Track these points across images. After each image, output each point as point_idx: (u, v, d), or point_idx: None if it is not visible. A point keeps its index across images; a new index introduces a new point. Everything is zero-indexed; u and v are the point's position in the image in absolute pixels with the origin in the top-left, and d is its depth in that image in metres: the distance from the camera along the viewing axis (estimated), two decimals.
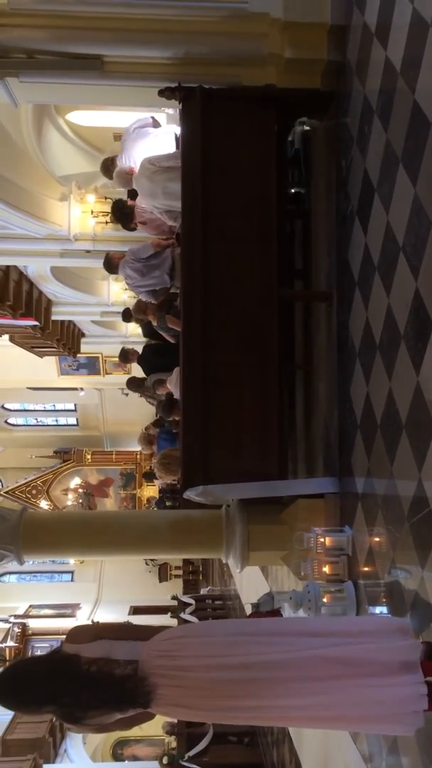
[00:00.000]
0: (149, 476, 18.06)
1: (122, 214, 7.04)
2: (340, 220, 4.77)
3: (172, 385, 7.49)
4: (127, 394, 21.22)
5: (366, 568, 4.11)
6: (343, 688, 2.62)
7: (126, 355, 9.43)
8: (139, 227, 7.03)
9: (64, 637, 2.94)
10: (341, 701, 2.64)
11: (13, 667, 2.93)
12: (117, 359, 21.06)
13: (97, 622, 3.37)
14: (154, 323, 7.31)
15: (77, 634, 2.88)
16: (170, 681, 2.68)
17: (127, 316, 9.55)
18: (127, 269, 6.93)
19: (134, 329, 18.09)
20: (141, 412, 18.35)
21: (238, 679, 2.65)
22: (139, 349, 9.26)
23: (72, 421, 24.11)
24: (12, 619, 20.08)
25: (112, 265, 7.32)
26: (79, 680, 2.63)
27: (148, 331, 8.28)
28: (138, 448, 22.00)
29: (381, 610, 3.88)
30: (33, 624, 20.10)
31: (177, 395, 7.05)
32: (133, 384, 9.05)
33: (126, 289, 14.98)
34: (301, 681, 2.63)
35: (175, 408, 6.51)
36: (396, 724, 2.71)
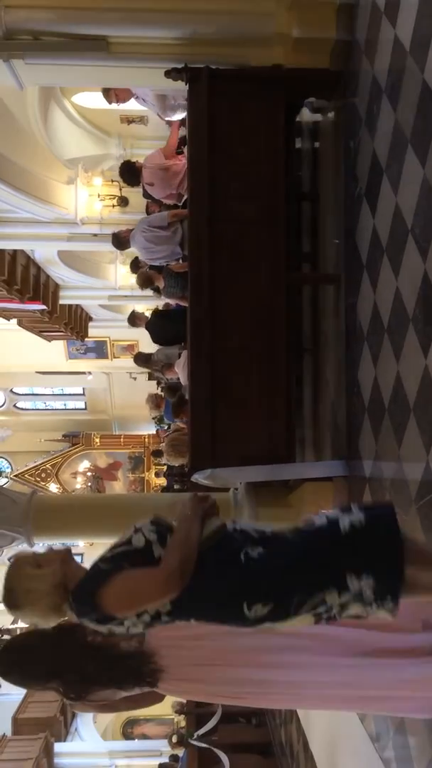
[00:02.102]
0: (158, 454, 18.11)
1: (130, 173, 7.03)
2: (348, 202, 4.74)
3: (180, 368, 7.49)
4: (135, 378, 21.27)
5: None
6: (365, 665, 2.57)
7: (134, 319, 9.41)
8: (147, 188, 6.99)
9: None
10: (362, 679, 2.59)
11: (14, 639, 2.91)
12: (125, 343, 21.18)
13: None
14: (161, 288, 7.29)
15: None
16: (179, 651, 2.65)
17: (132, 321, 9.53)
18: (140, 238, 6.90)
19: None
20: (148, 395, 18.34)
21: (250, 646, 2.61)
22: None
23: (80, 405, 24.19)
24: None
25: (121, 241, 7.30)
26: (82, 655, 2.59)
27: (157, 336, 8.24)
28: (146, 432, 22.13)
29: None
30: None
31: (184, 379, 7.06)
32: (141, 359, 9.06)
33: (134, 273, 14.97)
34: (318, 653, 2.59)
35: (184, 410, 6.49)
36: (417, 709, 2.67)
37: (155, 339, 8.56)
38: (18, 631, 18.39)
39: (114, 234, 7.62)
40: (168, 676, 2.66)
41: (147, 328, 8.75)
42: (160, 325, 8.07)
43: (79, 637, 2.63)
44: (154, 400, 9.78)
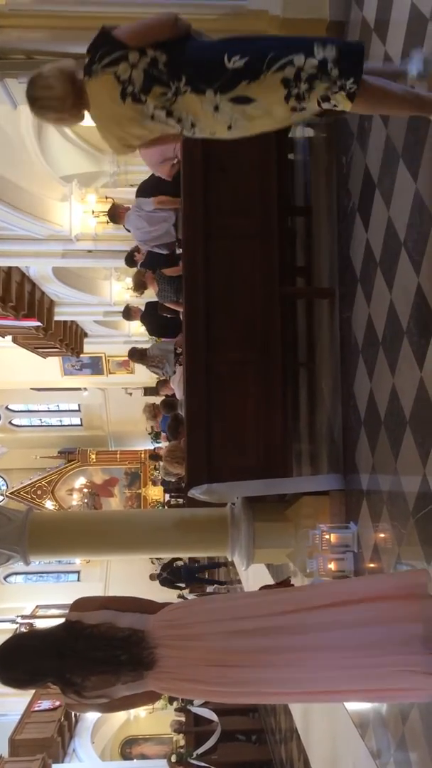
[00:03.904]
0: (155, 458, 18.01)
1: (114, 216, 7.10)
2: (341, 217, 4.76)
3: (176, 384, 7.50)
4: (131, 394, 21.26)
5: (372, 565, 4.11)
6: (364, 658, 2.53)
7: (129, 312, 9.39)
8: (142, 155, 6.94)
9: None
10: (361, 671, 2.56)
11: (10, 638, 2.87)
12: (120, 359, 21.16)
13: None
14: (155, 291, 7.29)
15: (82, 603, 2.82)
16: (177, 652, 2.61)
17: (127, 314, 9.54)
18: (134, 217, 6.92)
19: (137, 328, 18.11)
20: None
21: (251, 647, 2.59)
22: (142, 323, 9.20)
23: (76, 421, 24.14)
24: (19, 620, 20.13)
25: (117, 215, 7.33)
26: (78, 636, 2.58)
27: (153, 327, 8.24)
28: (142, 447, 22.08)
29: None
30: (40, 624, 20.15)
31: (180, 394, 7.06)
32: (136, 354, 9.02)
33: (128, 288, 15.02)
34: (319, 650, 2.56)
35: (182, 427, 6.51)
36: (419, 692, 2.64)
37: (150, 330, 8.50)
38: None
39: (113, 205, 7.64)
40: (165, 676, 2.64)
41: (142, 320, 8.72)
42: (155, 316, 8.03)
43: (76, 629, 2.61)
44: (151, 410, 9.75)
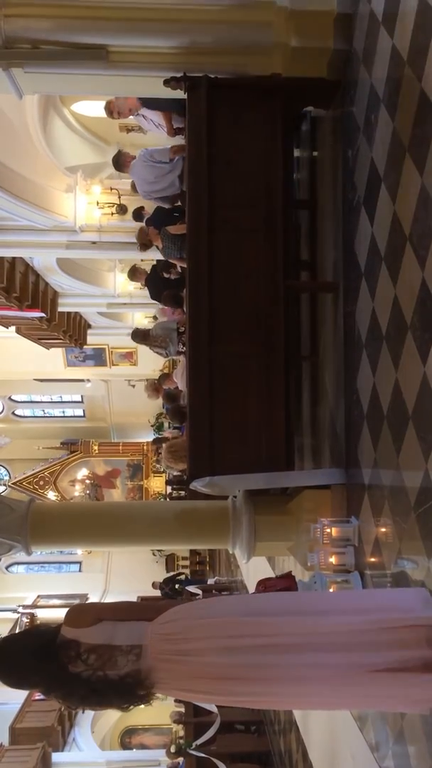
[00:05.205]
0: (159, 441, 17.94)
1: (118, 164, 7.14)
2: (346, 210, 4.75)
3: (179, 376, 7.51)
4: (133, 386, 21.27)
5: (372, 559, 4.12)
6: (362, 677, 2.54)
7: (135, 273, 9.37)
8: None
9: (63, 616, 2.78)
10: (359, 689, 2.57)
11: (5, 643, 2.80)
12: (123, 351, 21.13)
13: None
14: (159, 247, 7.24)
15: (77, 616, 2.72)
16: (177, 666, 2.60)
17: (133, 273, 9.51)
18: (140, 169, 6.88)
19: (140, 320, 18.09)
20: (147, 403, 18.39)
21: (254, 663, 2.57)
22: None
23: (79, 412, 24.19)
24: (20, 609, 20.24)
25: (121, 163, 7.30)
26: (75, 683, 2.55)
27: (156, 292, 8.22)
28: (144, 439, 22.11)
29: None
30: (41, 614, 20.24)
31: (183, 386, 7.07)
32: (139, 336, 8.99)
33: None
34: (320, 668, 2.56)
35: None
36: (415, 707, 2.66)
37: (154, 295, 8.47)
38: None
39: (119, 152, 7.61)
40: (164, 686, 2.65)
41: (146, 284, 8.69)
42: (160, 279, 7.98)
43: (73, 653, 2.57)
44: (153, 386, 9.70)
